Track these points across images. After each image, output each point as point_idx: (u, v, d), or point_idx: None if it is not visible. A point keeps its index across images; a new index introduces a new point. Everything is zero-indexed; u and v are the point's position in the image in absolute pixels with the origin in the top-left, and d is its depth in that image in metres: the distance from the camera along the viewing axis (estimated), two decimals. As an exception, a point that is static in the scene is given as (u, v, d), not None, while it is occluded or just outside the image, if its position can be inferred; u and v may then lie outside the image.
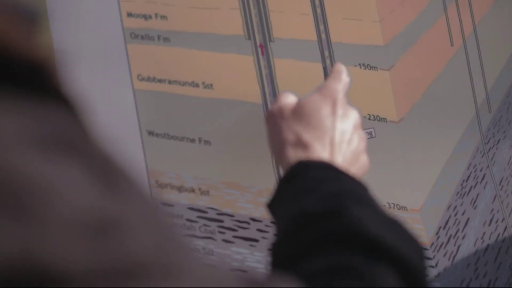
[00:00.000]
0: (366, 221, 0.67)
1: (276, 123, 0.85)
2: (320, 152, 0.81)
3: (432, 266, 1.02)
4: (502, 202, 1.06)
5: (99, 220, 0.34)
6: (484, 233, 1.05)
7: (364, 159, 0.89)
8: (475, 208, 1.05)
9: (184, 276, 0.37)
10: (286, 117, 0.85)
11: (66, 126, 0.38)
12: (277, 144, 0.85)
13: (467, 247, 1.04)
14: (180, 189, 1.03)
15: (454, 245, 1.03)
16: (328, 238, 0.65)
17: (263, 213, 1.02)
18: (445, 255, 1.02)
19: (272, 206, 0.79)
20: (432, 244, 1.02)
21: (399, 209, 1.02)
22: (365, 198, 0.74)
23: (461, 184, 1.04)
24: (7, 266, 0.31)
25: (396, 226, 0.70)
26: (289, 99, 0.88)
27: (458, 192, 1.04)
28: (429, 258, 1.02)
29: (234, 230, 1.02)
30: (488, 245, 1.05)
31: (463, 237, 1.04)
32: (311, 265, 0.63)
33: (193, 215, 1.03)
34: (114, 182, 0.38)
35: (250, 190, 1.02)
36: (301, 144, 0.82)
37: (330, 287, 0.59)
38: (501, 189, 1.06)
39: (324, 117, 0.84)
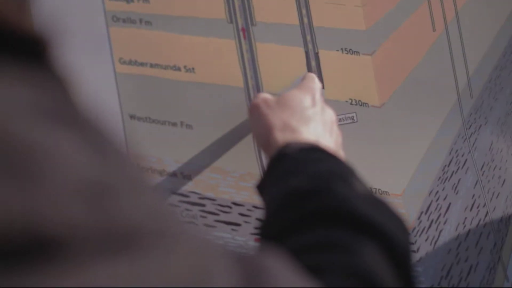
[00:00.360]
0: (353, 199, 0.68)
1: (261, 113, 0.88)
2: (307, 136, 0.84)
3: (414, 251, 1.02)
4: (483, 188, 1.06)
5: (94, 184, 0.35)
6: (465, 218, 1.05)
7: (342, 153, 0.93)
8: (456, 193, 1.05)
9: (177, 244, 0.37)
10: (271, 106, 0.89)
11: (62, 98, 0.39)
12: (264, 131, 0.87)
13: (449, 232, 1.04)
14: (161, 173, 1.02)
15: (436, 230, 1.03)
16: (316, 215, 0.66)
17: (245, 198, 1.02)
18: (426, 240, 1.03)
19: (261, 187, 0.80)
20: (414, 229, 1.02)
21: (381, 194, 1.02)
22: (352, 178, 0.75)
23: (443, 169, 1.05)
24: (7, 228, 0.31)
25: (381, 205, 0.70)
26: (269, 95, 0.92)
27: (440, 177, 1.04)
28: (411, 243, 1.02)
29: (216, 214, 1.02)
30: (469, 230, 1.05)
31: (445, 222, 1.04)
32: (299, 240, 0.63)
33: (175, 199, 1.02)
34: (106, 151, 0.38)
35: (232, 175, 1.02)
36: (288, 128, 0.84)
37: (318, 262, 0.60)
38: (482, 175, 1.07)
39: (306, 107, 0.88)
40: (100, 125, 0.41)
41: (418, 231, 1.02)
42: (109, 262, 0.34)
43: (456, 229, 1.04)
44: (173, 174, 1.02)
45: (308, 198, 0.68)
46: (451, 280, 1.03)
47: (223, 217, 1.02)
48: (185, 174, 1.02)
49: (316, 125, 0.87)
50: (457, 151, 1.06)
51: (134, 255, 0.34)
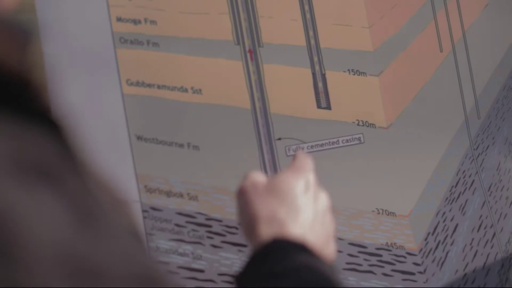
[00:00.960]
0: None
1: (248, 199, 0.82)
2: (295, 230, 0.80)
3: (421, 272, 1.02)
4: (490, 208, 1.06)
5: (76, 259, 0.34)
6: (472, 239, 1.05)
7: (332, 245, 0.89)
8: (463, 214, 1.05)
9: None
10: (260, 192, 0.82)
11: (49, 154, 0.37)
12: (249, 220, 0.82)
13: (456, 253, 1.04)
14: (168, 193, 1.03)
15: (443, 251, 1.03)
16: None
17: (252, 219, 1.02)
18: (433, 261, 1.02)
19: (242, 280, 0.77)
20: (421, 250, 1.02)
21: (388, 214, 1.02)
22: (334, 284, 0.74)
23: (450, 190, 1.04)
24: None
25: None
26: (260, 176, 0.85)
27: (447, 198, 1.04)
28: (417, 264, 1.02)
29: (222, 235, 1.02)
30: (476, 251, 1.05)
31: (452, 243, 1.04)
32: None
33: (181, 220, 1.02)
34: (93, 219, 0.37)
35: (239, 195, 1.02)
36: (276, 220, 0.80)
37: None
38: (489, 195, 1.06)
39: (298, 195, 0.82)
40: (94, 176, 0.40)
41: (425, 252, 1.02)
42: None
43: (463, 250, 1.04)
44: (180, 195, 1.02)
45: None
46: (458, 302, 1.02)
47: (229, 238, 1.02)
48: (191, 195, 1.02)
49: (306, 216, 0.81)
50: (464, 171, 1.06)
51: None
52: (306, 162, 0.87)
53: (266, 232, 0.79)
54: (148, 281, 0.38)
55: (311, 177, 0.86)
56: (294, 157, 0.90)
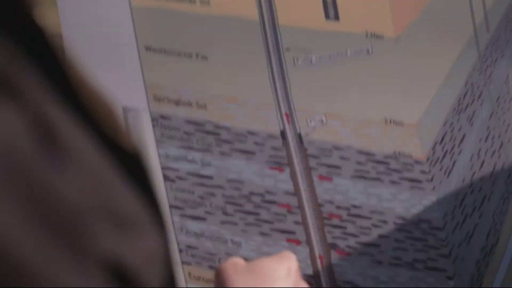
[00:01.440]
0: None
1: (226, 277, 0.81)
2: None
3: (428, 180, 1.02)
4: (498, 119, 1.06)
5: (28, 182, 0.32)
6: (480, 149, 1.05)
7: None
8: (471, 125, 1.05)
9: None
10: (239, 272, 0.81)
11: (14, 61, 0.34)
12: None
13: (463, 162, 1.04)
14: (177, 102, 1.04)
15: (450, 160, 1.03)
16: None
17: (260, 127, 1.03)
18: (440, 169, 1.03)
19: None
20: (428, 158, 1.03)
21: (396, 124, 1.03)
22: None
23: (458, 101, 1.05)
24: None
25: None
26: (241, 260, 0.85)
27: (455, 109, 1.04)
28: (425, 172, 1.02)
29: (231, 143, 1.03)
30: (483, 161, 1.05)
31: (459, 153, 1.04)
32: None
33: (190, 128, 1.03)
34: (58, 142, 0.34)
35: (248, 104, 1.03)
36: None
37: None
38: (497, 106, 1.07)
39: (279, 278, 0.81)
40: (81, 89, 0.36)
41: (432, 161, 1.03)
42: None
43: (471, 160, 1.04)
44: (189, 104, 1.03)
45: None
46: (464, 209, 1.03)
47: (238, 145, 1.03)
48: (200, 103, 1.03)
49: None
50: (472, 83, 1.06)
51: None
52: (291, 254, 0.85)
53: None
54: (114, 219, 0.36)
55: (293, 265, 0.82)
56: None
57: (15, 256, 0.31)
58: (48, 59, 0.37)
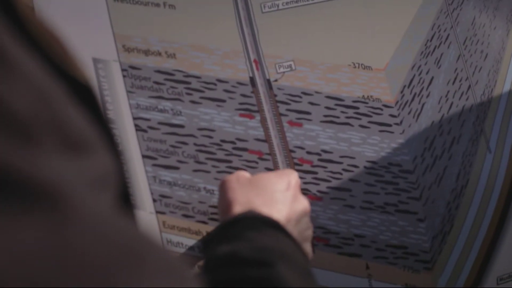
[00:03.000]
0: (290, 282, 0.67)
1: (229, 187, 0.87)
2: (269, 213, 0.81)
3: (397, 124, 1.02)
4: (466, 62, 1.06)
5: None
6: (448, 91, 1.04)
7: (308, 248, 0.89)
8: (439, 68, 1.04)
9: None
10: (241, 183, 0.87)
11: (8, 39, 0.36)
12: (226, 204, 0.84)
13: (432, 105, 1.04)
14: (146, 52, 1.02)
15: (419, 103, 1.03)
16: (249, 284, 0.65)
17: (230, 75, 1.02)
18: (409, 112, 1.02)
19: (208, 242, 0.77)
20: (397, 102, 1.02)
21: (364, 68, 1.02)
22: (299, 263, 0.73)
23: (425, 44, 1.04)
24: None
25: None
26: (246, 173, 0.90)
27: (422, 52, 1.04)
28: (394, 116, 1.02)
29: (201, 91, 1.02)
30: (452, 103, 1.04)
31: (428, 96, 1.03)
32: None
33: (160, 77, 1.02)
34: (5, 59, 0.35)
35: (216, 52, 1.02)
36: (251, 205, 0.81)
37: None
38: (465, 49, 1.06)
39: (277, 191, 0.85)
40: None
41: (401, 104, 1.02)
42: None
43: (439, 102, 1.04)
44: (158, 53, 1.02)
45: (246, 266, 0.68)
46: (434, 152, 1.03)
47: (208, 94, 1.02)
48: (169, 53, 1.02)
49: (282, 208, 0.83)
50: (439, 26, 1.05)
51: None
52: (292, 171, 0.92)
53: (240, 211, 0.79)
54: (62, 137, 0.36)
55: (294, 180, 0.87)
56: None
57: None
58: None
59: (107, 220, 0.37)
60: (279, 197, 0.84)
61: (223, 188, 0.88)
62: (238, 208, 0.82)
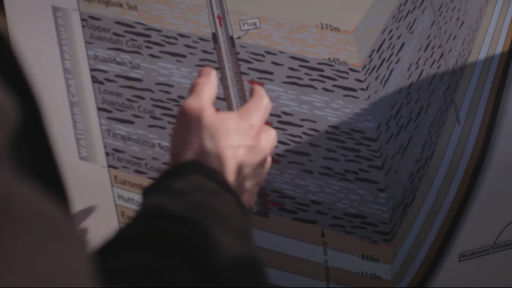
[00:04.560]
0: (218, 248, 0.61)
1: (188, 126, 0.75)
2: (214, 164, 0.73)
3: (363, 89, 0.96)
4: (440, 29, 1.00)
5: None
6: (419, 58, 0.99)
7: (252, 200, 0.80)
8: (411, 33, 0.99)
9: None
10: (202, 123, 0.75)
11: None
12: (179, 146, 0.75)
13: (401, 71, 0.98)
14: (107, 3, 0.97)
15: (387, 69, 0.97)
16: (172, 241, 0.60)
17: (191, 29, 0.97)
18: (377, 78, 0.97)
19: (147, 192, 0.70)
20: (364, 66, 0.97)
21: (332, 29, 0.96)
22: (236, 224, 0.66)
23: (398, 8, 0.98)
24: None
25: (249, 267, 0.63)
26: (210, 100, 0.77)
27: (395, 16, 0.98)
28: (360, 81, 0.97)
29: (161, 45, 0.97)
30: (422, 70, 0.99)
31: (397, 61, 0.98)
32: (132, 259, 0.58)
33: (120, 29, 0.97)
34: None
35: (179, 6, 0.97)
36: (201, 153, 0.73)
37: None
38: (440, 15, 1.00)
39: (236, 137, 0.76)
40: None
41: (368, 69, 0.97)
42: None
43: (409, 69, 0.98)
44: (119, 4, 0.97)
45: (172, 223, 0.62)
46: (400, 120, 0.97)
47: (168, 48, 0.97)
48: (130, 4, 0.97)
49: (235, 158, 0.75)
50: (414, -10, 0.99)
51: None
52: (260, 104, 0.80)
53: (187, 160, 0.72)
54: None
55: (257, 122, 0.78)
56: (252, 91, 0.82)
57: None
58: None
59: None
60: (233, 151, 0.76)
61: (181, 124, 0.76)
62: (189, 154, 0.74)
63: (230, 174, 0.73)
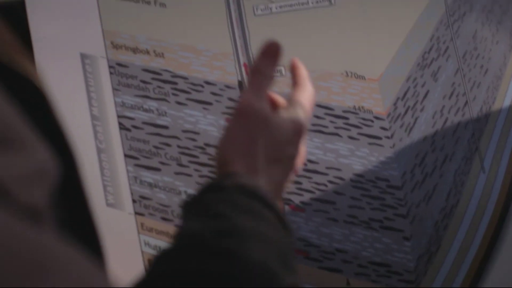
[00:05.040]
0: (256, 280, 0.60)
1: (248, 128, 0.68)
2: (264, 180, 0.69)
3: (388, 137, 0.96)
4: (464, 76, 1.00)
5: None
6: (443, 106, 0.99)
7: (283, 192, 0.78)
8: (436, 81, 0.99)
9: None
10: (260, 127, 0.69)
11: None
12: (225, 154, 0.69)
13: (425, 119, 0.98)
14: (135, 50, 0.98)
15: (412, 116, 0.97)
16: (212, 276, 0.59)
17: (218, 77, 0.97)
18: (401, 126, 0.97)
19: (188, 207, 0.67)
20: (389, 114, 0.97)
21: (357, 78, 0.97)
22: (276, 250, 0.64)
23: (423, 56, 0.98)
24: None
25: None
26: (265, 102, 0.70)
27: (419, 64, 0.98)
28: (385, 129, 0.97)
29: (187, 92, 0.97)
30: (447, 118, 0.99)
31: (422, 109, 0.98)
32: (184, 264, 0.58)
33: (147, 76, 0.98)
34: None
35: (205, 54, 0.97)
36: (252, 164, 0.68)
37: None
38: (464, 63, 1.00)
39: (287, 148, 0.71)
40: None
41: (393, 117, 0.97)
42: None
43: (433, 117, 0.98)
44: (146, 52, 0.98)
45: (210, 257, 0.61)
46: (424, 168, 0.97)
47: (194, 95, 0.97)
48: (157, 52, 0.98)
49: (284, 169, 0.70)
50: (438, 38, 0.99)
51: None
52: (308, 107, 0.74)
53: (236, 171, 0.68)
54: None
55: (306, 129, 0.73)
56: (296, 75, 0.76)
57: None
58: None
59: (14, 230, 0.36)
60: (292, 153, 0.70)
61: (238, 125, 0.69)
62: (239, 163, 0.68)
63: (278, 185, 0.70)
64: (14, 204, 0.35)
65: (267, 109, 0.69)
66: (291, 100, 0.75)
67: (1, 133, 0.36)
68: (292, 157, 0.71)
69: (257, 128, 0.68)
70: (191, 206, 0.65)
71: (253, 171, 0.68)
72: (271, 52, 0.73)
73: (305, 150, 0.77)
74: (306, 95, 0.76)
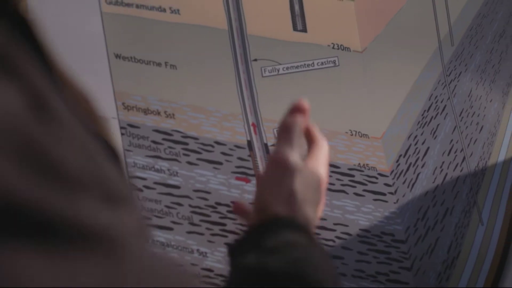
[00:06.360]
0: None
1: (284, 176, 0.72)
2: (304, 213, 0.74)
3: (391, 193, 0.99)
4: (461, 133, 1.03)
5: (29, 147, 0.33)
6: (443, 162, 1.02)
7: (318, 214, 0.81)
8: (435, 138, 1.02)
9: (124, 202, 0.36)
10: (301, 176, 0.73)
11: (12, 44, 0.35)
12: (266, 197, 0.72)
13: (426, 175, 1.01)
14: (146, 111, 0.99)
15: (414, 173, 1.00)
16: None
17: (227, 137, 0.99)
18: (404, 182, 1.00)
19: (235, 249, 0.69)
20: (392, 171, 0.99)
21: (361, 136, 0.99)
22: (329, 277, 0.68)
23: (422, 114, 1.01)
24: None
25: None
26: (296, 154, 0.74)
27: (419, 122, 1.01)
28: (388, 185, 0.99)
29: (198, 152, 0.99)
30: (446, 174, 1.02)
31: (423, 166, 1.01)
32: None
33: (158, 137, 0.99)
34: (54, 114, 0.35)
35: (215, 114, 0.99)
36: (292, 204, 0.70)
37: None
38: (461, 121, 1.04)
39: (319, 192, 0.74)
40: (66, 81, 0.38)
41: (396, 173, 1.00)
42: None
43: (434, 173, 1.01)
44: (157, 113, 0.99)
45: (279, 282, 0.63)
46: (427, 222, 1.00)
47: (205, 155, 0.99)
48: (168, 113, 0.99)
49: (318, 206, 0.74)
50: (436, 97, 1.03)
51: None
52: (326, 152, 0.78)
53: (278, 213, 0.71)
54: (104, 189, 0.36)
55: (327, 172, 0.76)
56: (311, 135, 0.78)
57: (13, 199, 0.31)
58: (34, 44, 0.39)
59: (156, 262, 0.38)
60: (315, 198, 0.73)
61: (274, 174, 0.73)
62: (279, 207, 0.70)
63: (315, 223, 0.73)
64: (134, 258, 0.37)
65: (299, 160, 0.73)
66: (311, 155, 0.78)
67: (111, 191, 0.38)
68: (319, 201, 0.74)
69: (292, 177, 0.72)
70: (239, 247, 0.67)
71: (293, 212, 0.71)
72: (298, 110, 0.77)
73: (324, 199, 0.80)
74: (323, 152, 0.78)
